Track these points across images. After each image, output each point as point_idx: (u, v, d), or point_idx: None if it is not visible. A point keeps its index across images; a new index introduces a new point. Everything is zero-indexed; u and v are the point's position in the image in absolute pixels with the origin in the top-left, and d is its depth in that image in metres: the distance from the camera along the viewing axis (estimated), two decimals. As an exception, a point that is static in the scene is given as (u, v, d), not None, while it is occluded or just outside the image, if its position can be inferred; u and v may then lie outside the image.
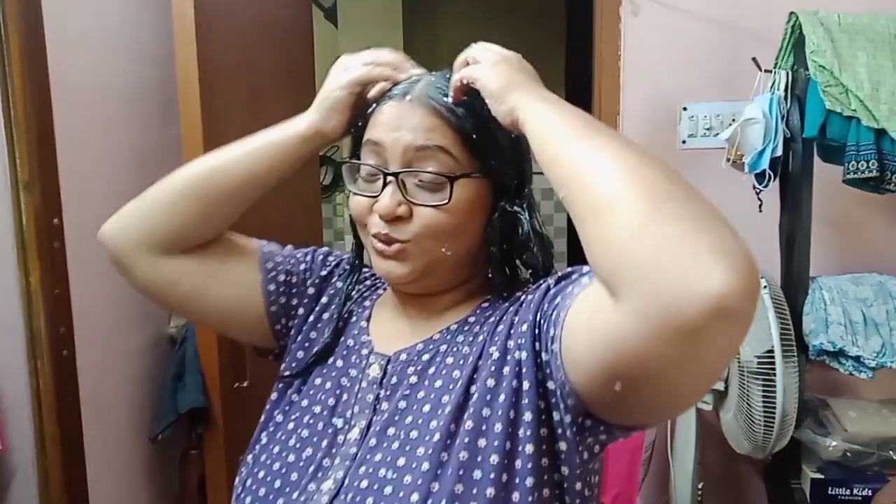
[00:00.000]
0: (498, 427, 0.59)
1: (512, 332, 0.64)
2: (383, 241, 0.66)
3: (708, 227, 0.44)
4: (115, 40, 1.57)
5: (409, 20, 3.37)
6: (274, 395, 0.77)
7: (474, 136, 0.66)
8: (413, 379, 0.67)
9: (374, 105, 0.70)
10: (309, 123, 0.75)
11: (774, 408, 1.50)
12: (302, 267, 0.81)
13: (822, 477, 1.63)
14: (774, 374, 1.49)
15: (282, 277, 0.79)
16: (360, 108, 0.73)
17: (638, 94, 1.97)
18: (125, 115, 1.61)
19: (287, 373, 0.77)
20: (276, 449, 0.70)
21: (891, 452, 1.55)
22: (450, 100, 0.66)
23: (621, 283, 0.46)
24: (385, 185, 0.66)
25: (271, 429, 0.73)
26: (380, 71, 0.72)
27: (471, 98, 0.66)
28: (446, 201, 0.64)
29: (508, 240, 0.69)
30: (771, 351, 1.50)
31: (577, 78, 2.32)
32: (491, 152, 0.67)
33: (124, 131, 1.60)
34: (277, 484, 0.67)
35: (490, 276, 0.71)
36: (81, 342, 1.42)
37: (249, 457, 0.73)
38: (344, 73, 0.74)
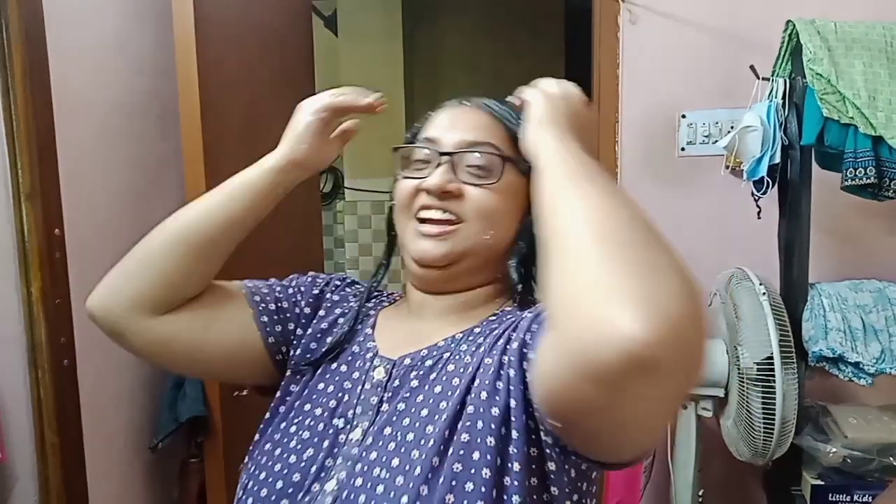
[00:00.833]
0: (490, 441, 0.60)
1: (508, 347, 0.65)
2: (432, 210, 0.69)
3: (642, 274, 0.44)
4: (115, 52, 1.59)
5: (410, 29, 3.39)
6: (275, 401, 0.78)
7: (518, 138, 0.70)
8: (414, 383, 0.69)
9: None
10: (280, 155, 0.77)
11: (774, 414, 1.50)
12: (290, 292, 0.82)
13: (823, 483, 1.63)
14: (774, 381, 1.49)
15: (272, 307, 0.80)
16: (327, 135, 0.76)
17: (637, 102, 1.98)
18: (126, 127, 1.62)
19: (290, 379, 0.78)
20: (277, 451, 0.71)
21: (891, 458, 1.55)
22: (504, 109, 0.73)
23: (556, 318, 0.47)
24: (438, 167, 0.69)
25: (271, 433, 0.74)
26: (344, 98, 0.76)
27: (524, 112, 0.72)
28: (497, 180, 0.68)
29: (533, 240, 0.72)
30: (770, 357, 1.50)
31: (577, 86, 2.33)
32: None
33: (125, 142, 1.61)
34: (279, 485, 0.68)
35: (511, 281, 0.74)
36: (82, 352, 1.42)
37: (249, 461, 0.74)
38: (309, 103, 0.77)
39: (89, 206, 1.48)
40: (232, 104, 1.58)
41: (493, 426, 0.60)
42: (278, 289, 0.82)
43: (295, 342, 0.80)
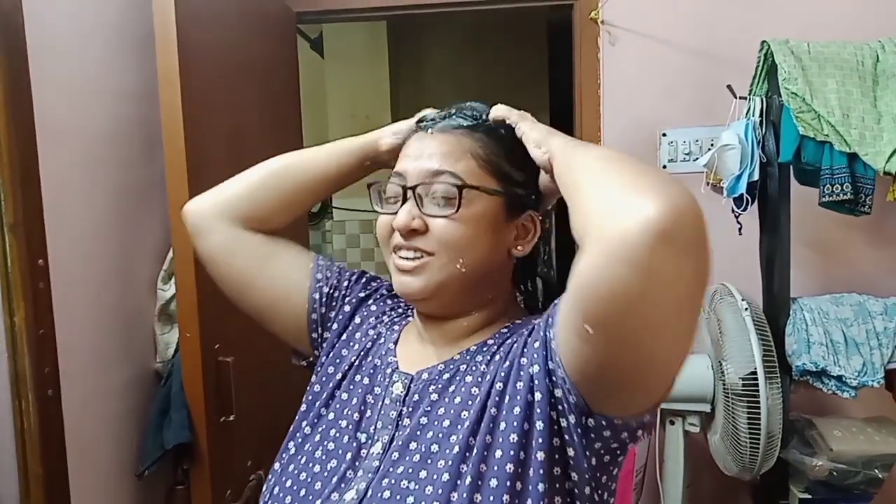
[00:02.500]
0: (513, 438, 0.64)
1: (525, 350, 0.68)
2: (403, 249, 0.72)
3: (652, 176, 0.54)
4: (98, 79, 1.59)
5: (395, 50, 3.42)
6: (303, 407, 0.81)
7: (488, 158, 0.73)
8: (434, 397, 0.71)
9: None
10: (378, 135, 0.86)
11: (760, 428, 1.51)
12: (345, 284, 0.87)
13: (810, 497, 1.64)
14: (759, 395, 1.50)
15: (326, 290, 0.85)
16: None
17: (618, 120, 2.01)
18: (109, 154, 1.62)
19: (317, 387, 0.81)
20: (303, 459, 0.74)
21: (876, 471, 1.56)
22: (471, 122, 0.75)
23: (587, 230, 0.55)
24: (405, 201, 0.72)
25: (299, 439, 0.77)
26: None
27: (495, 127, 0.76)
28: (454, 210, 0.70)
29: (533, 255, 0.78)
30: (755, 372, 1.51)
31: (561, 104, 2.36)
32: (503, 175, 0.74)
33: (108, 170, 1.61)
34: (302, 493, 0.71)
35: (515, 296, 0.80)
36: (66, 381, 1.41)
37: (277, 465, 0.77)
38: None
39: (74, 234, 1.48)
40: (216, 129, 1.59)
41: (515, 424, 0.64)
42: (339, 277, 0.87)
43: (328, 335, 0.85)
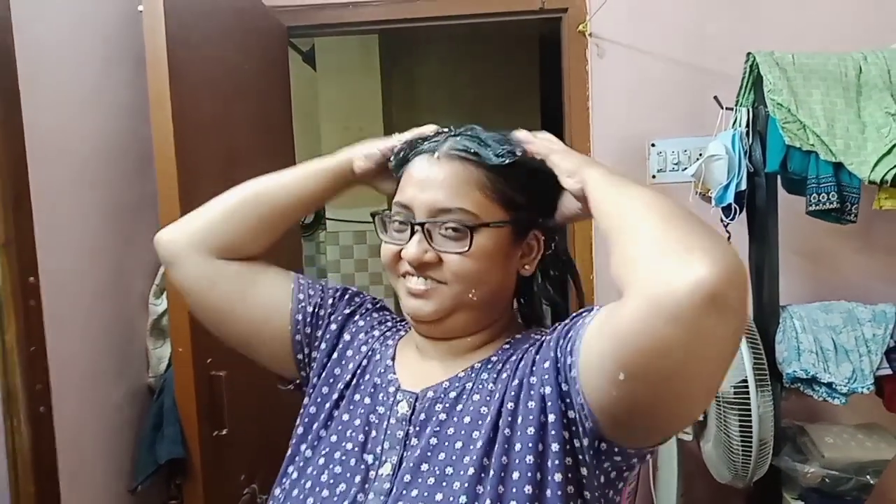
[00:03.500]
0: (529, 459, 0.64)
1: (534, 368, 0.69)
2: (414, 277, 0.72)
3: (700, 234, 0.55)
4: (90, 97, 1.60)
5: (387, 63, 3.44)
6: (300, 430, 0.79)
7: (495, 188, 0.72)
8: (442, 416, 0.71)
9: (405, 157, 0.76)
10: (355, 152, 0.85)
11: (752, 436, 1.52)
12: (329, 301, 0.85)
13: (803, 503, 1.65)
14: (750, 403, 1.51)
15: (310, 309, 0.84)
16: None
17: (607, 131, 2.03)
18: (101, 171, 1.62)
19: (313, 409, 0.80)
20: (308, 484, 0.72)
21: (867, 477, 1.57)
22: (488, 154, 0.72)
23: (632, 280, 0.55)
24: (412, 234, 0.72)
25: (300, 464, 0.76)
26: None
27: (501, 154, 0.73)
28: (467, 248, 0.70)
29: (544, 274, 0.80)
30: (746, 380, 1.52)
31: (553, 117, 2.38)
32: (509, 202, 0.73)
33: (101, 187, 1.61)
34: None
35: (518, 311, 0.81)
36: (59, 397, 1.41)
37: (278, 490, 0.75)
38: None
39: (66, 251, 1.48)
40: (208, 146, 1.59)
41: (530, 445, 0.64)
42: (322, 295, 0.85)
43: (316, 354, 0.83)
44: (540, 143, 0.76)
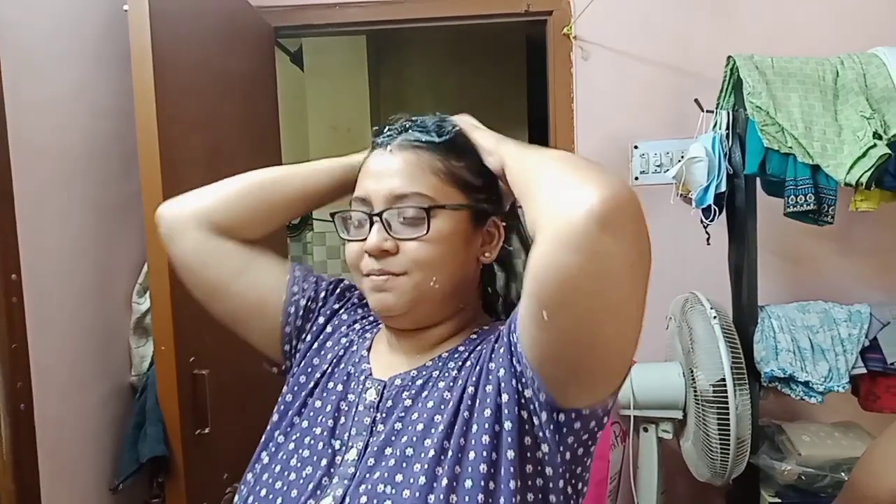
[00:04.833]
0: (485, 439, 0.66)
1: (493, 354, 0.71)
2: (374, 274, 0.73)
3: (594, 170, 0.59)
4: (75, 96, 1.60)
5: (375, 64, 3.45)
6: (275, 417, 0.81)
7: (450, 172, 0.75)
8: (408, 402, 0.73)
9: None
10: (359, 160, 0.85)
11: (730, 434, 1.54)
12: (322, 295, 0.87)
13: (780, 501, 1.67)
14: (728, 402, 1.53)
15: (303, 302, 0.85)
16: None
17: (591, 133, 2.06)
18: (85, 170, 1.62)
19: (289, 396, 0.82)
20: (278, 468, 0.74)
21: (843, 474, 1.60)
22: (432, 137, 0.76)
23: (539, 224, 0.59)
24: (371, 226, 0.73)
25: (272, 449, 0.77)
26: None
27: (452, 138, 0.77)
28: (425, 232, 0.71)
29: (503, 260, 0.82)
30: (724, 379, 1.55)
31: (540, 118, 2.40)
32: (465, 186, 0.76)
33: (85, 186, 1.61)
34: (279, 501, 0.71)
35: (481, 303, 0.82)
36: (41, 395, 1.41)
37: (250, 475, 0.77)
38: None
39: (50, 249, 1.48)
40: (193, 146, 1.60)
41: (486, 426, 0.66)
42: (315, 288, 0.87)
43: (301, 346, 0.85)
44: (463, 122, 0.80)
